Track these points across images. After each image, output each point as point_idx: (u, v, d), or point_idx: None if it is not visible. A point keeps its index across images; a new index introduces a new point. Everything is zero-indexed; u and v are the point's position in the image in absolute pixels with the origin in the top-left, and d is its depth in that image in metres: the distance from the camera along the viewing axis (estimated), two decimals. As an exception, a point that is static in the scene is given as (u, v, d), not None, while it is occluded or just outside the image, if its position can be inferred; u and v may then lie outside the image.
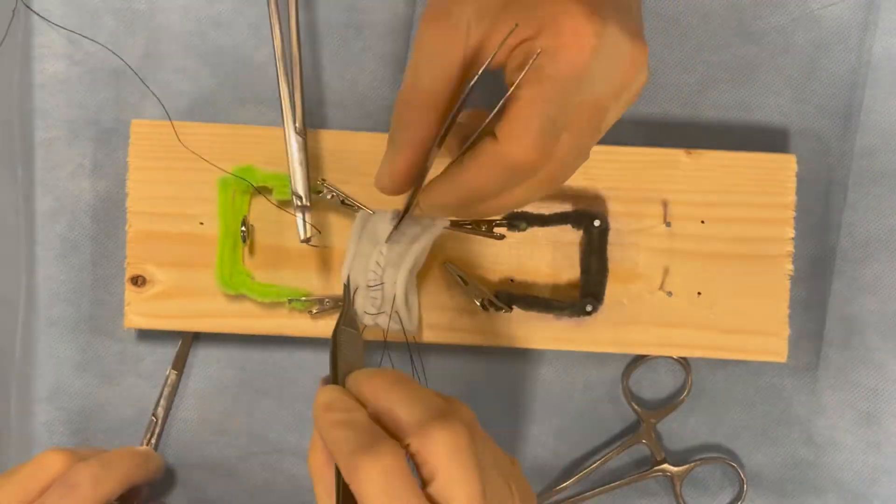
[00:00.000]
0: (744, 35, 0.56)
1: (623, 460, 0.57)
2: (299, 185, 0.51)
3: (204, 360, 0.56)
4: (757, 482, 0.56)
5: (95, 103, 0.56)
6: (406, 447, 0.36)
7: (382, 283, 0.49)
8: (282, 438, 0.56)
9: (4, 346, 0.58)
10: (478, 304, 0.52)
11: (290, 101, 0.51)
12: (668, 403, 0.56)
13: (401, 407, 0.37)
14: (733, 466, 0.55)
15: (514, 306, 0.52)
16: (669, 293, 0.52)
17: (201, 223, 0.53)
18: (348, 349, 0.44)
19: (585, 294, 0.52)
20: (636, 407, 0.55)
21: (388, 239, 0.49)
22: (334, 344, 0.44)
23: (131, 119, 0.53)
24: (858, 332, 0.56)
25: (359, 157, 0.53)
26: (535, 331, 0.53)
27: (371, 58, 0.56)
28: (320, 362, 0.56)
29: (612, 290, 0.52)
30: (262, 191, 0.52)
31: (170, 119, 0.53)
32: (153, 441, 0.55)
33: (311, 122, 0.55)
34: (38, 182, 0.55)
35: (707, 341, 0.53)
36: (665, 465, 0.55)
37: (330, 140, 0.53)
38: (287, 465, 0.56)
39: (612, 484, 0.56)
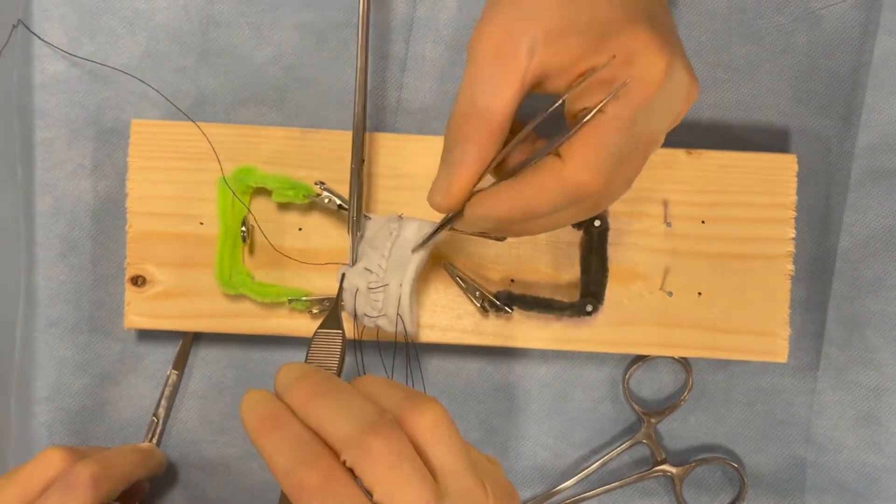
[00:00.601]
0: (744, 35, 0.56)
1: (623, 460, 0.57)
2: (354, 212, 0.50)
3: (204, 360, 0.56)
4: (757, 482, 0.56)
5: (95, 103, 0.56)
6: (343, 463, 0.35)
7: (386, 286, 0.49)
8: (282, 438, 0.56)
9: (4, 346, 0.58)
10: (478, 304, 0.52)
11: (358, 138, 0.51)
12: (669, 403, 0.56)
13: (328, 422, 0.36)
14: (734, 466, 0.55)
15: (514, 307, 0.52)
16: (669, 293, 0.52)
17: (201, 223, 0.53)
18: (322, 352, 0.44)
19: (585, 294, 0.52)
20: (636, 407, 0.55)
21: (415, 249, 0.49)
22: (308, 347, 0.44)
23: (131, 119, 0.53)
24: (859, 332, 0.56)
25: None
26: (535, 331, 0.53)
27: (371, 58, 0.56)
28: (320, 362, 0.56)
29: (612, 290, 0.52)
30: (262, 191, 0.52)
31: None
32: (154, 441, 0.55)
33: (312, 122, 0.56)
34: (38, 182, 0.55)
35: (707, 341, 0.53)
36: (665, 466, 0.55)
37: (330, 140, 0.53)
38: (287, 465, 0.56)
39: (613, 484, 0.56)
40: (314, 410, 0.36)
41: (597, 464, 0.56)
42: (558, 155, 0.39)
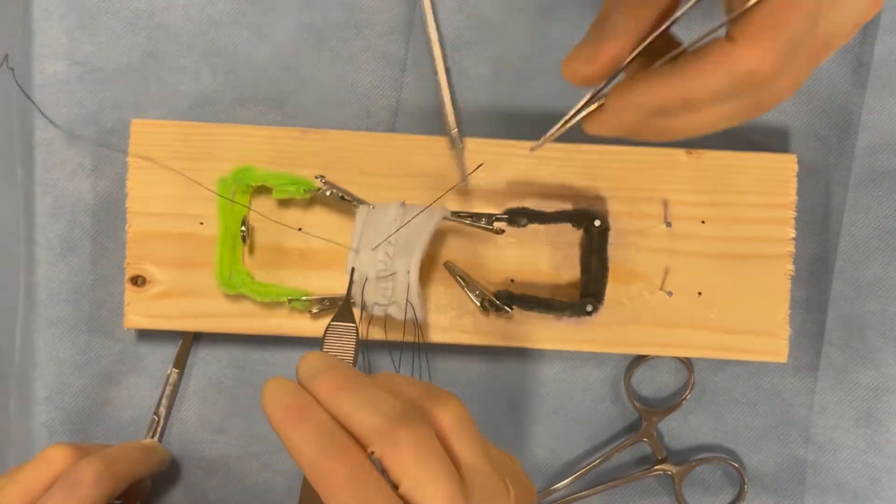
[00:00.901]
0: (744, 35, 0.56)
1: (624, 459, 0.57)
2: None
3: (204, 360, 0.56)
4: (757, 482, 0.56)
5: (95, 103, 0.56)
6: (370, 454, 0.35)
7: (394, 273, 0.49)
8: (282, 438, 0.56)
9: (4, 346, 0.58)
10: (478, 304, 0.52)
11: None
12: (670, 403, 0.56)
13: (356, 414, 0.35)
14: (734, 466, 0.55)
15: (514, 306, 0.52)
16: (670, 293, 0.52)
17: (201, 223, 0.53)
18: (336, 345, 0.44)
19: (585, 294, 0.52)
20: (637, 405, 0.55)
21: (534, 148, 0.45)
22: (322, 340, 0.44)
23: (131, 119, 0.53)
24: (859, 332, 0.56)
25: (359, 156, 0.53)
26: (535, 331, 0.53)
27: (371, 58, 0.56)
28: (320, 362, 0.56)
29: (612, 290, 0.52)
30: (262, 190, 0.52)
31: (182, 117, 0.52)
32: (155, 440, 0.55)
33: (312, 122, 0.56)
34: (38, 182, 0.55)
35: (707, 341, 0.53)
36: (666, 465, 0.55)
37: (330, 140, 0.53)
38: (286, 465, 0.56)
39: (613, 482, 0.56)
40: (341, 402, 0.36)
41: (597, 461, 0.56)
42: (729, 38, 0.35)
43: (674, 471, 0.55)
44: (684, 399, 0.55)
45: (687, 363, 0.55)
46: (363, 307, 0.50)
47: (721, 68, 0.35)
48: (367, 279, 0.49)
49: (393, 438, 0.34)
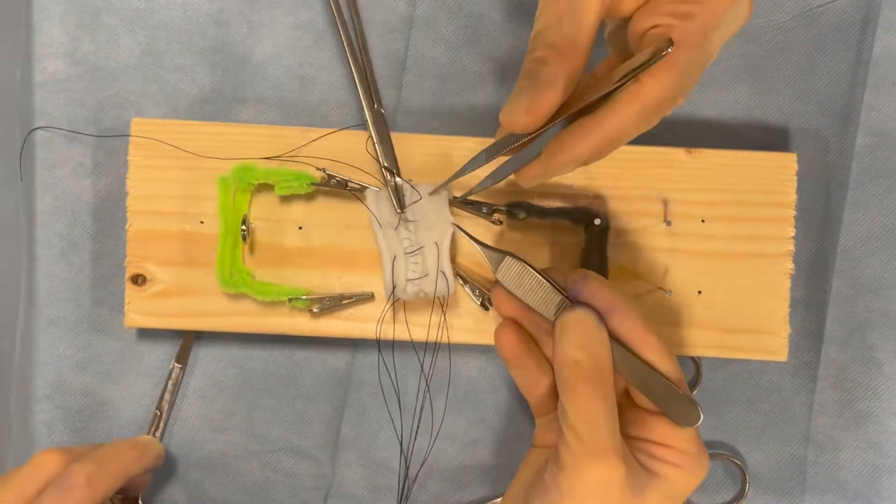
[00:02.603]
0: (743, 34, 0.56)
1: (623, 459, 0.57)
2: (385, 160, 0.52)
3: (205, 358, 0.56)
4: (757, 481, 0.56)
5: (95, 102, 0.56)
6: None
7: (422, 248, 0.50)
8: (281, 437, 0.56)
9: (5, 344, 0.58)
10: (478, 303, 0.52)
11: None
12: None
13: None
14: (736, 463, 0.55)
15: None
16: (669, 292, 0.52)
17: (202, 222, 0.53)
18: (526, 289, 0.45)
19: (585, 293, 0.52)
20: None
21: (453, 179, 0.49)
22: (527, 267, 0.45)
23: (131, 118, 0.53)
24: (858, 332, 0.56)
25: (359, 155, 0.53)
26: (535, 329, 0.53)
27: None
28: (321, 361, 0.56)
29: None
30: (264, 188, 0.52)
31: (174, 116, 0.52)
32: (157, 434, 0.55)
33: (312, 121, 0.56)
34: (39, 181, 0.56)
35: (707, 340, 0.53)
36: (665, 464, 0.55)
37: (330, 139, 0.53)
38: (286, 464, 0.56)
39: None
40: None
41: (597, 462, 0.55)
42: (635, 80, 0.40)
43: (674, 470, 0.55)
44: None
45: (696, 361, 0.55)
46: (395, 288, 0.50)
47: (635, 108, 0.40)
48: (395, 257, 0.50)
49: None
